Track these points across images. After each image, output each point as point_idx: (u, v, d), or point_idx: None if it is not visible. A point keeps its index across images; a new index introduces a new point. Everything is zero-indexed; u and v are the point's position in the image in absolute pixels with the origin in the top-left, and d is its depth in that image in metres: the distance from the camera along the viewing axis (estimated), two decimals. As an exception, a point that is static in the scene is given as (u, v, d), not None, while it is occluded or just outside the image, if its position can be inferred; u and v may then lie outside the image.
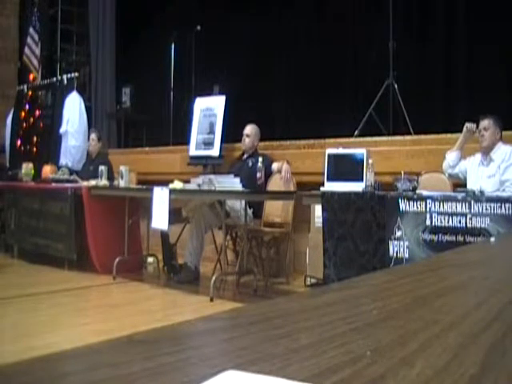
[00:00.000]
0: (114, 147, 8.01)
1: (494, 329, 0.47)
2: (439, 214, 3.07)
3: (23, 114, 7.90)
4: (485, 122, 3.78)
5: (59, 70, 8.58)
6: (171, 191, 4.39)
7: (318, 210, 4.03)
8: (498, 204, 2.90)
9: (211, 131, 5.83)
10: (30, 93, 7.89)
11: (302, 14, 6.50)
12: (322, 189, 3.69)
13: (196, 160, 5.99)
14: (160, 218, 4.36)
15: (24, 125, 7.86)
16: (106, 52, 8.62)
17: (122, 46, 8.64)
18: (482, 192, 3.13)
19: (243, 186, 4.24)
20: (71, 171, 6.28)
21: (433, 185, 3.88)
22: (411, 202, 3.18)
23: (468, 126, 3.89)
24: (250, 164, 5.01)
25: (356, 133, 5.11)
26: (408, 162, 4.39)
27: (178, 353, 0.38)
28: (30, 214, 5.84)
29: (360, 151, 3.72)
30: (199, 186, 4.32)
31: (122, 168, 5.13)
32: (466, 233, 2.98)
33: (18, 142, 7.85)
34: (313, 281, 4.51)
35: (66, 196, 5.27)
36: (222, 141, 5.72)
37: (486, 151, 3.80)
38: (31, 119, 7.78)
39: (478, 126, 3.84)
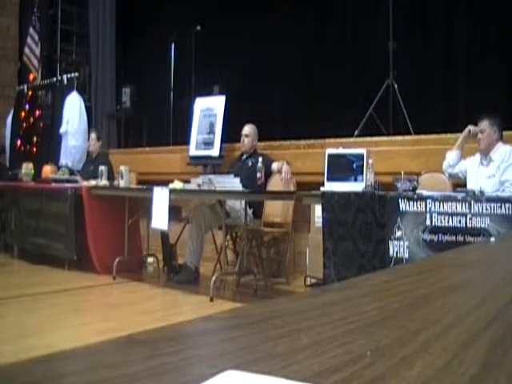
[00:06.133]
0: (113, 147, 8.01)
1: (493, 329, 0.47)
2: (439, 214, 3.07)
3: (23, 113, 7.90)
4: (481, 124, 3.78)
5: (59, 70, 8.57)
6: (171, 191, 4.39)
7: (318, 210, 4.03)
8: (498, 204, 2.90)
9: (211, 131, 5.83)
10: (30, 93, 7.90)
11: (301, 13, 6.49)
12: (322, 189, 3.69)
13: (196, 160, 5.99)
14: (160, 218, 4.36)
15: (24, 125, 7.86)
16: (106, 52, 8.61)
17: (122, 46, 8.64)
18: (481, 192, 3.13)
19: (243, 186, 4.24)
20: (72, 171, 6.28)
21: (433, 185, 3.88)
22: (411, 202, 3.18)
23: (472, 130, 3.88)
24: (250, 164, 5.01)
25: (356, 133, 5.11)
26: (408, 162, 4.39)
27: (177, 353, 0.38)
28: (29, 214, 5.84)
29: (360, 151, 3.71)
30: (199, 185, 4.32)
31: (122, 168, 5.13)
32: (466, 233, 2.98)
33: (18, 142, 7.85)
34: (313, 281, 4.51)
35: (66, 196, 5.26)
36: (222, 141, 5.72)
37: (485, 152, 3.80)
38: (31, 119, 7.78)
39: None
